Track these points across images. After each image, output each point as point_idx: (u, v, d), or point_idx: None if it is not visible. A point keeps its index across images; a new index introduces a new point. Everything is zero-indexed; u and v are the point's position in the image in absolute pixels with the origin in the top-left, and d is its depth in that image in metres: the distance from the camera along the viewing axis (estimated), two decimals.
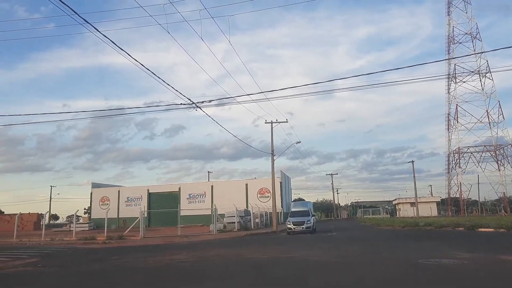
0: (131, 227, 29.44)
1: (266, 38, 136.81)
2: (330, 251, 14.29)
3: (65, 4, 8.86)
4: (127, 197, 56.09)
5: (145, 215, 35.63)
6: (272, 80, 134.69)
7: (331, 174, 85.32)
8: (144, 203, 52.75)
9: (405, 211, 74.90)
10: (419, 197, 68.28)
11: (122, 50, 12.58)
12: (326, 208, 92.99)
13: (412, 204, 69.90)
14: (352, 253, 13.28)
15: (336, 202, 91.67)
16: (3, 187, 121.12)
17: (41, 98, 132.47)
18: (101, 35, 11.33)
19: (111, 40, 11.67)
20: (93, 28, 10.72)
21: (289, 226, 27.64)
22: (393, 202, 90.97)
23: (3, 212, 37.54)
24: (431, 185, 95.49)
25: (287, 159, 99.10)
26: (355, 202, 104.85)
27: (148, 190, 56.12)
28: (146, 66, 14.30)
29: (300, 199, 75.51)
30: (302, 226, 27.24)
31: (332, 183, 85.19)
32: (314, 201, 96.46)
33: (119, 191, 57.27)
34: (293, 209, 30.94)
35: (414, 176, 62.78)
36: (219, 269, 10.60)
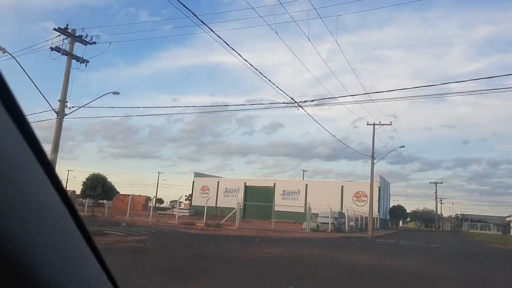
0: (228, 216, 30.70)
1: (372, 38, 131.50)
2: (431, 264, 13.24)
3: (186, 7, 9.48)
4: (225, 188, 58.60)
5: (241, 207, 36.93)
6: (376, 82, 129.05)
7: (435, 182, 79.17)
8: (240, 195, 54.53)
9: None
10: None
11: (234, 50, 13.10)
12: (427, 219, 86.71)
13: None
14: (461, 269, 12.13)
15: (438, 212, 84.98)
16: (119, 170, 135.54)
17: (156, 93, 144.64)
18: (214, 35, 11.90)
19: (223, 41, 12.21)
20: (208, 29, 11.33)
21: None
22: (507, 219, 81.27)
23: (118, 192, 42.24)
24: None
25: (387, 164, 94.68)
26: (461, 215, 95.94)
27: (245, 183, 57.98)
28: (252, 66, 14.70)
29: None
30: None
31: (435, 192, 79.11)
32: (414, 209, 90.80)
33: (218, 182, 60.13)
34: None
35: None
36: (316, 269, 10.48)
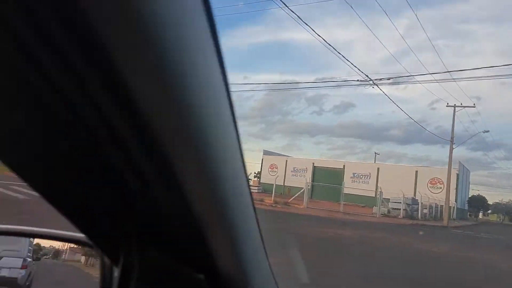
0: (296, 195, 30.91)
1: (457, 12, 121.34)
2: None
3: None
4: (293, 167, 58.73)
5: (309, 187, 36.87)
6: (459, 59, 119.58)
7: None
8: (308, 175, 54.37)
9: None
10: None
11: (307, 25, 12.92)
12: None
13: None
14: None
15: None
16: None
17: (228, 70, 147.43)
18: (287, 10, 11.75)
19: (297, 15, 12.04)
20: (283, 4, 11.20)
21: None
22: None
23: None
24: None
25: (467, 150, 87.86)
26: None
27: (313, 163, 57.64)
28: (325, 41, 14.30)
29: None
30: None
31: None
32: (497, 201, 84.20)
33: (286, 161, 60.44)
34: None
35: None
36: (385, 253, 10.21)
